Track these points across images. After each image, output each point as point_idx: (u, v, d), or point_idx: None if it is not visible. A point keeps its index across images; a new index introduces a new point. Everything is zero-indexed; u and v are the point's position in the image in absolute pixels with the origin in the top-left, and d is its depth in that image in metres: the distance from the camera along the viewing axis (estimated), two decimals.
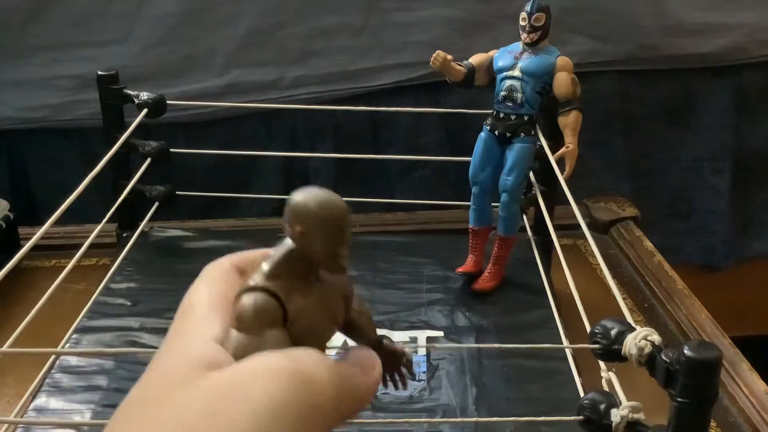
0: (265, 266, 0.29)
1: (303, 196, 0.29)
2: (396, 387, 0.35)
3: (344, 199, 0.30)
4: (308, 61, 1.14)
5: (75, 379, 0.62)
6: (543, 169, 0.75)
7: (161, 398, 0.25)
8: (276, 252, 0.30)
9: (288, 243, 0.30)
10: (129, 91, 0.78)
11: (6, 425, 0.59)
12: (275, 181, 1.16)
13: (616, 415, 0.42)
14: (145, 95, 0.77)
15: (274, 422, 0.24)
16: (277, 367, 0.26)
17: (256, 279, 0.29)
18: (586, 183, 1.11)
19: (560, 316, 0.68)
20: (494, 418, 0.56)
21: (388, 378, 0.35)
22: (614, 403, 0.43)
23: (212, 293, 0.31)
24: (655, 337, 0.40)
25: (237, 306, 0.28)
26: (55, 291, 0.59)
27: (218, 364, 0.26)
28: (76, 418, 0.58)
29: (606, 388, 0.48)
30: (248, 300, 0.28)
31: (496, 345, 0.49)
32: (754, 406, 0.65)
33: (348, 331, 0.33)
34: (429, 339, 0.69)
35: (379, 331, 0.73)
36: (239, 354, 0.27)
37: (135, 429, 0.25)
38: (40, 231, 0.52)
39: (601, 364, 0.49)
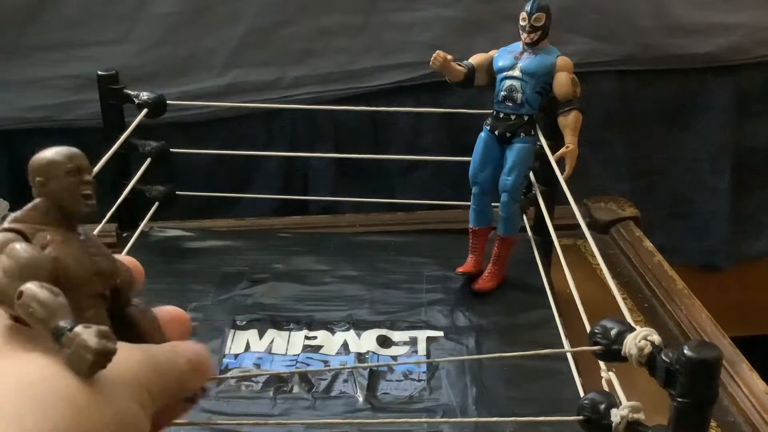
0: (12, 214, 0.31)
1: (40, 153, 0.31)
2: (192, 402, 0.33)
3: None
4: (308, 61, 1.14)
5: None
6: (543, 169, 0.75)
7: None
8: (22, 209, 0.31)
9: (35, 199, 0.31)
10: (129, 91, 0.78)
11: None
12: (275, 181, 1.16)
13: (616, 415, 0.42)
14: (145, 95, 0.77)
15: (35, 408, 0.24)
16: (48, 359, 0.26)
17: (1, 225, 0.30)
18: (586, 183, 1.11)
19: (560, 316, 0.68)
20: (494, 418, 0.56)
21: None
22: (614, 403, 0.43)
23: None
24: (655, 337, 0.40)
25: None
26: None
27: None
28: None
29: (606, 388, 0.48)
30: None
31: (497, 354, 0.49)
32: (754, 406, 0.65)
33: (123, 325, 0.32)
34: (429, 339, 0.69)
35: (380, 332, 0.72)
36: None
37: None
38: None
39: (601, 364, 0.49)
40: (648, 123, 1.23)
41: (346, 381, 0.62)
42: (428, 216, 0.96)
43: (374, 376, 0.63)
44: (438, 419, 0.59)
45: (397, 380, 0.63)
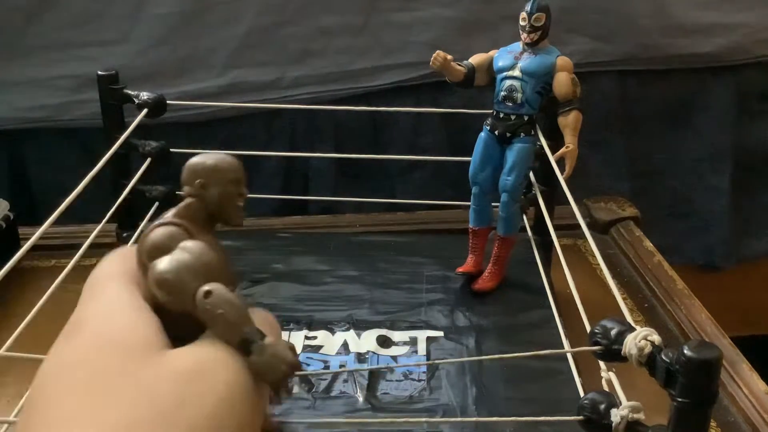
0: (169, 214, 0.31)
1: (199, 157, 0.32)
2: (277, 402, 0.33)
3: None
4: (308, 61, 1.14)
5: None
6: (543, 169, 0.75)
7: (123, 372, 0.26)
8: (178, 206, 0.31)
9: (187, 199, 0.32)
10: (129, 91, 0.78)
11: (6, 425, 0.58)
12: (275, 181, 1.16)
13: (616, 415, 0.42)
14: (145, 95, 0.77)
15: (234, 407, 0.26)
16: (231, 356, 0.27)
17: (162, 219, 0.31)
18: (586, 183, 1.11)
19: (560, 316, 0.68)
20: (494, 418, 0.56)
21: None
22: (614, 403, 0.43)
23: (119, 268, 0.31)
24: (655, 337, 0.40)
25: (149, 238, 0.30)
26: (55, 291, 0.59)
27: (159, 342, 0.27)
28: None
29: (606, 388, 0.48)
30: (160, 230, 0.30)
31: (497, 356, 0.49)
32: (754, 406, 0.65)
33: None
34: (429, 339, 0.69)
35: (380, 332, 0.72)
36: (166, 269, 0.28)
37: (103, 401, 0.25)
38: (39, 231, 0.52)
39: (601, 364, 0.49)
40: (648, 123, 1.23)
41: (346, 381, 0.63)
42: (428, 216, 0.96)
43: (374, 376, 0.63)
44: (438, 419, 0.59)
45: (397, 380, 0.63)
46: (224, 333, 0.27)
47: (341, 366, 0.65)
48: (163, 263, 0.28)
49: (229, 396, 0.26)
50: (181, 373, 0.26)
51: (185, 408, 0.25)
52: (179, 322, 0.28)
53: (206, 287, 0.27)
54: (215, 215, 0.31)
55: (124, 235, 0.82)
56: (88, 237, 0.66)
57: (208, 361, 0.27)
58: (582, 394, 0.57)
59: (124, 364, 0.26)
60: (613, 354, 0.42)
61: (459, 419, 0.58)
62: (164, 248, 0.29)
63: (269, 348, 0.27)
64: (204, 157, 0.31)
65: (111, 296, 0.29)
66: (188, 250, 0.28)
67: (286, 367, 0.27)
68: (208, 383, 0.26)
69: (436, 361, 0.65)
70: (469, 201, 0.74)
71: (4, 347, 0.52)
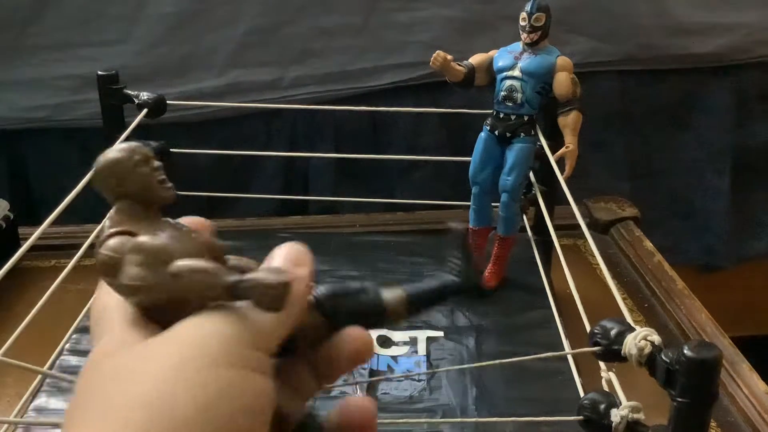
0: (105, 224, 0.30)
1: (99, 161, 0.31)
2: None
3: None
4: (308, 61, 1.14)
5: (75, 379, 0.62)
6: (543, 169, 0.75)
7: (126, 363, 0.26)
8: (108, 215, 0.31)
9: (115, 204, 0.31)
10: (129, 91, 0.78)
11: (6, 425, 0.59)
12: (275, 181, 1.16)
13: (616, 415, 0.42)
14: (144, 95, 0.77)
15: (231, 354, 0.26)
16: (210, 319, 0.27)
17: (102, 234, 0.30)
18: (586, 183, 1.11)
19: (560, 316, 0.68)
20: (494, 419, 0.56)
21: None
22: (614, 403, 0.43)
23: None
24: (655, 337, 0.40)
25: (98, 259, 0.29)
26: (55, 291, 0.59)
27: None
28: None
29: (606, 388, 0.48)
30: (104, 247, 0.29)
31: (497, 361, 0.49)
32: (754, 406, 0.65)
33: None
34: (429, 339, 0.69)
35: (380, 332, 0.72)
36: (132, 285, 0.28)
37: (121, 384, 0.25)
38: (38, 230, 0.53)
39: (601, 364, 0.49)
40: (648, 123, 1.23)
41: (346, 381, 0.62)
42: (428, 216, 0.96)
43: (374, 376, 0.63)
44: (438, 419, 0.59)
45: (397, 380, 0.63)
46: (209, 298, 0.27)
47: None
48: (124, 276, 0.28)
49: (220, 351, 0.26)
50: (170, 343, 0.26)
51: (186, 373, 0.25)
52: (180, 310, 0.28)
53: (171, 270, 0.27)
54: (147, 202, 0.31)
55: None
56: (88, 237, 0.66)
57: (188, 327, 0.27)
58: (582, 394, 0.57)
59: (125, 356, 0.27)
60: (612, 354, 0.42)
61: (459, 419, 0.58)
62: (116, 261, 0.28)
63: (252, 282, 0.27)
64: (103, 158, 0.31)
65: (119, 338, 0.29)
66: (134, 249, 0.28)
67: (280, 289, 0.27)
68: (198, 346, 0.26)
69: (437, 370, 0.64)
70: (469, 201, 0.74)
71: (4, 347, 0.52)
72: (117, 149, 0.31)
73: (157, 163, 0.31)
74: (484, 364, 0.62)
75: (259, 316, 0.27)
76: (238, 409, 0.25)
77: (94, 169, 0.30)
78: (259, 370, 0.26)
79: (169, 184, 0.31)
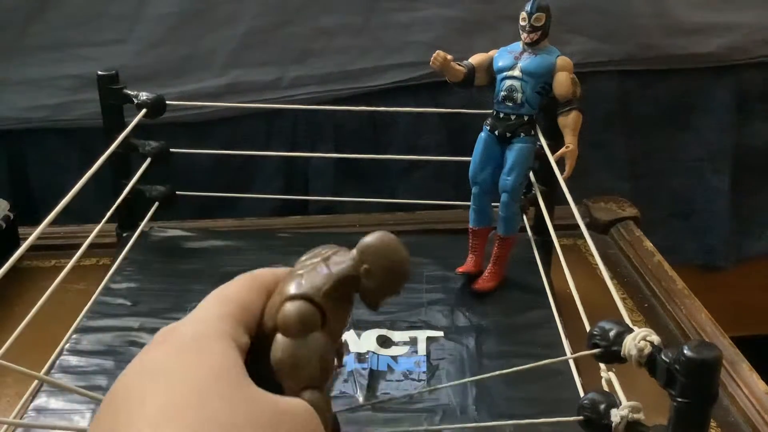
0: (317, 279, 0.32)
1: (387, 241, 0.33)
2: None
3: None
4: (308, 61, 1.14)
5: (75, 379, 0.62)
6: (543, 169, 0.75)
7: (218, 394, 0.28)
8: (333, 270, 0.33)
9: (346, 268, 0.33)
10: (129, 91, 0.78)
11: (6, 426, 0.58)
12: (275, 181, 1.16)
13: (616, 415, 0.42)
14: (144, 95, 0.77)
15: None
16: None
17: (299, 287, 0.32)
18: (586, 183, 1.11)
19: (560, 316, 0.68)
20: (493, 422, 0.56)
21: None
22: (614, 403, 0.43)
23: (241, 297, 0.34)
24: (655, 338, 0.40)
25: (284, 311, 0.32)
26: (55, 291, 0.59)
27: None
28: (76, 419, 0.58)
29: (606, 388, 0.48)
30: (297, 308, 0.32)
31: (497, 372, 0.49)
32: (754, 406, 0.65)
33: None
34: (429, 339, 0.69)
35: (380, 332, 0.72)
36: (283, 356, 0.31)
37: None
38: (38, 230, 0.52)
39: (601, 364, 0.49)
40: (648, 123, 1.23)
41: (346, 381, 0.62)
42: (428, 216, 0.96)
43: (374, 376, 0.63)
44: (438, 419, 0.58)
45: (397, 380, 0.63)
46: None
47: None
48: (286, 349, 0.31)
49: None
50: (273, 409, 0.29)
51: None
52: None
53: (306, 396, 0.31)
54: (358, 293, 0.34)
55: (124, 235, 0.82)
56: (88, 237, 0.66)
57: (296, 408, 0.30)
58: (582, 394, 0.57)
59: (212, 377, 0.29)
60: (612, 356, 0.42)
61: (459, 426, 0.58)
62: (293, 330, 0.31)
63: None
64: (390, 243, 0.33)
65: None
66: (310, 346, 0.31)
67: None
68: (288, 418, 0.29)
69: (437, 386, 0.64)
70: (469, 201, 0.74)
71: (4, 347, 0.52)
72: (403, 255, 0.33)
73: (400, 289, 0.34)
74: (486, 376, 0.61)
75: None
76: None
77: (373, 243, 0.33)
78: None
79: (381, 308, 0.34)
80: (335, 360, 0.34)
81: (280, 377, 0.31)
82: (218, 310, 0.32)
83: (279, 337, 0.31)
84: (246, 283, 0.34)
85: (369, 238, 0.33)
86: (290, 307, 0.32)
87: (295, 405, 0.30)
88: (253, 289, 0.34)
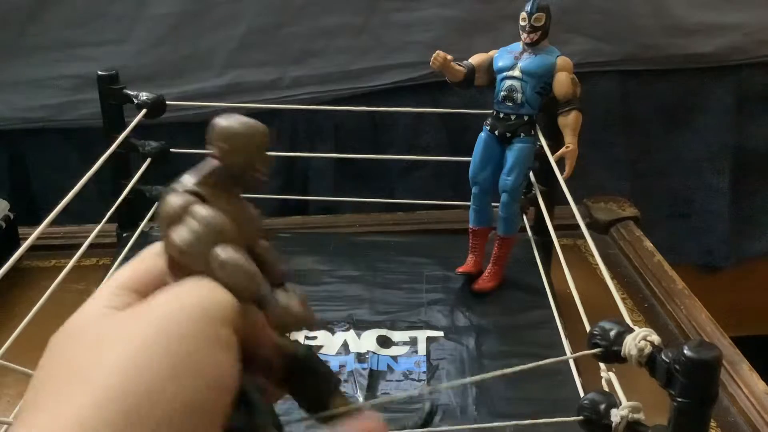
0: (188, 176, 0.32)
1: (228, 119, 0.32)
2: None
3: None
4: (308, 61, 1.14)
5: None
6: (543, 169, 0.75)
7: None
8: (200, 168, 0.32)
9: (211, 161, 0.32)
10: (129, 92, 0.78)
11: (6, 426, 0.58)
12: (275, 181, 1.16)
13: (616, 415, 0.42)
14: (144, 95, 0.77)
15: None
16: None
17: (179, 184, 0.31)
18: (586, 183, 1.11)
19: (560, 316, 0.68)
20: (494, 423, 0.56)
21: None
22: (614, 403, 0.43)
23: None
24: (655, 338, 0.40)
25: (164, 205, 0.30)
26: (55, 291, 0.59)
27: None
28: None
29: (606, 388, 0.48)
30: (175, 197, 0.31)
31: (498, 372, 0.49)
32: (754, 406, 0.65)
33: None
34: (429, 339, 0.69)
35: (380, 332, 0.72)
36: (176, 239, 0.29)
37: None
38: (38, 230, 0.53)
39: (601, 364, 0.49)
40: (648, 123, 1.23)
41: (346, 381, 0.62)
42: (428, 216, 0.96)
43: (374, 376, 0.63)
44: (438, 419, 0.58)
45: (397, 380, 0.63)
46: (237, 294, 0.29)
47: (341, 366, 0.65)
48: (177, 235, 0.30)
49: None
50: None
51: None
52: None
53: (219, 257, 0.29)
54: (238, 180, 0.32)
55: (124, 235, 0.82)
56: (88, 237, 0.66)
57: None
58: (582, 394, 0.57)
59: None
60: (613, 355, 0.42)
61: (459, 427, 0.58)
62: (175, 217, 0.30)
63: (283, 306, 0.30)
64: (231, 121, 0.32)
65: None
66: (199, 217, 0.30)
67: (293, 320, 0.30)
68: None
69: (440, 386, 0.64)
70: (469, 201, 0.74)
71: (4, 347, 0.52)
72: (250, 125, 0.32)
73: (267, 156, 0.33)
74: (486, 375, 0.61)
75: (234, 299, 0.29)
76: (204, 382, 0.26)
77: (221, 123, 0.32)
78: (226, 348, 0.27)
79: (266, 178, 0.32)
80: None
81: (190, 266, 0.30)
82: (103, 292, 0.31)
83: (171, 231, 0.30)
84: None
85: (219, 122, 0.32)
86: (166, 200, 0.31)
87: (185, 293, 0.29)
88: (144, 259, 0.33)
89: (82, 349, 0.27)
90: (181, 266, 0.30)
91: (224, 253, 0.29)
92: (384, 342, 0.68)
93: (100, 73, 0.79)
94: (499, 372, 0.45)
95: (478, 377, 0.57)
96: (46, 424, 0.25)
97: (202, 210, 0.30)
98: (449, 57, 0.69)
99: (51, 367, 0.27)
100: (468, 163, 0.73)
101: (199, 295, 0.28)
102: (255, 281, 0.29)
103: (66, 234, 0.89)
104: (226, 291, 0.29)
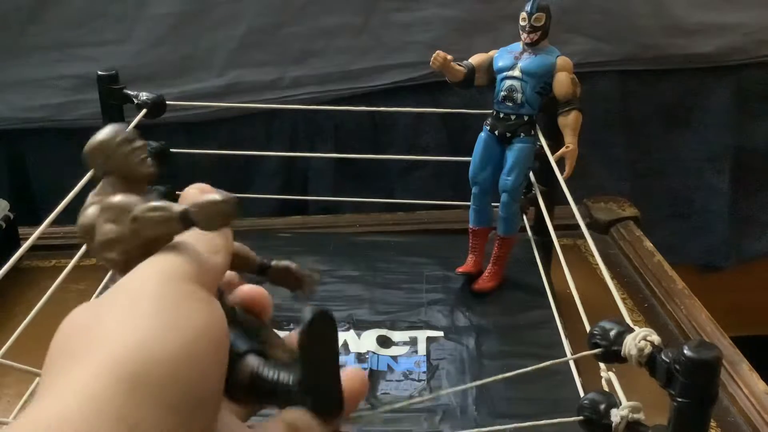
0: (89, 196, 0.34)
1: (89, 142, 0.35)
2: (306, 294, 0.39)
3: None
4: (308, 61, 1.14)
5: None
6: (543, 169, 0.75)
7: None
8: (95, 192, 0.34)
9: (102, 180, 0.35)
10: (129, 91, 0.78)
11: (6, 426, 0.58)
12: (275, 181, 1.16)
13: (616, 415, 0.42)
14: (144, 95, 0.77)
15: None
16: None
17: (85, 205, 0.34)
18: (586, 183, 1.11)
19: (560, 316, 0.68)
20: (494, 427, 0.56)
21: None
22: (614, 403, 0.43)
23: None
24: (655, 338, 0.40)
25: (78, 228, 0.33)
26: (56, 291, 0.59)
27: None
28: None
29: (606, 388, 0.48)
30: (84, 214, 0.33)
31: (500, 376, 0.49)
32: (754, 406, 0.65)
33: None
34: (429, 339, 0.69)
35: (380, 332, 0.72)
36: (102, 240, 0.32)
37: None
38: (38, 230, 0.52)
39: (601, 364, 0.49)
40: (648, 123, 1.23)
41: None
42: (428, 216, 0.96)
43: (374, 376, 0.63)
44: (438, 419, 0.59)
45: (397, 380, 0.63)
46: (167, 233, 0.31)
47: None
48: (98, 232, 0.32)
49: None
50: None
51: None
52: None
53: (129, 217, 0.31)
54: (129, 178, 0.34)
55: None
56: None
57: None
58: (582, 394, 0.57)
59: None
60: (612, 355, 0.42)
61: None
62: (92, 225, 0.32)
63: (198, 207, 0.31)
64: (91, 139, 0.35)
65: None
66: (105, 207, 0.32)
67: (221, 205, 0.31)
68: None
69: (442, 392, 0.64)
70: (469, 201, 0.74)
71: (4, 348, 0.52)
72: (103, 130, 0.35)
73: (139, 143, 0.35)
74: (486, 380, 0.61)
75: (202, 255, 0.31)
76: (194, 333, 0.27)
77: (86, 148, 0.35)
78: (205, 301, 0.29)
79: (150, 162, 0.35)
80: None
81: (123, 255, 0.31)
82: None
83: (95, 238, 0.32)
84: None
85: (84, 151, 0.35)
86: (79, 219, 0.33)
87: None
88: None
89: (74, 332, 0.28)
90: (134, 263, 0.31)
91: (131, 213, 0.31)
92: (384, 342, 0.68)
93: (100, 73, 0.78)
94: (500, 376, 0.45)
95: (479, 382, 0.57)
96: (48, 404, 0.25)
97: (104, 201, 0.32)
98: (449, 57, 0.69)
99: (50, 356, 0.28)
100: (468, 163, 0.73)
101: (156, 263, 0.30)
102: (167, 209, 0.32)
103: (66, 234, 0.89)
104: (176, 254, 0.30)
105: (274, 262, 0.38)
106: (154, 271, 0.29)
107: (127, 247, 0.31)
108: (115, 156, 0.34)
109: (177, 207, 0.32)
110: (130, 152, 0.34)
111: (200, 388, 0.26)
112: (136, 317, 0.27)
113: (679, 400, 0.38)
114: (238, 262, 0.37)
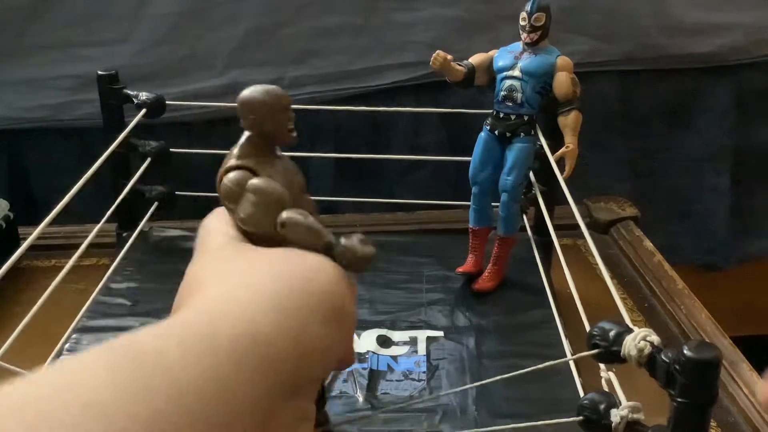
0: (234, 152, 0.37)
1: (249, 91, 0.38)
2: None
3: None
4: (308, 61, 1.14)
5: None
6: (543, 169, 0.75)
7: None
8: (239, 142, 0.38)
9: (246, 133, 0.38)
10: (129, 91, 0.78)
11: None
12: None
13: (615, 416, 0.42)
14: (144, 95, 0.77)
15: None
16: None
17: (229, 162, 0.37)
18: (586, 183, 1.11)
19: (560, 316, 0.68)
20: (494, 428, 0.56)
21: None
22: (614, 403, 0.43)
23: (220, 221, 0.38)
24: (654, 338, 0.40)
25: (222, 185, 0.36)
26: (55, 291, 0.59)
27: None
28: None
29: (606, 388, 0.48)
30: (227, 178, 0.36)
31: (499, 377, 0.49)
32: (754, 406, 0.65)
33: None
34: (429, 339, 0.69)
35: (380, 332, 0.73)
36: (247, 211, 0.35)
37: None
38: (37, 230, 0.53)
39: (601, 364, 0.49)
40: (648, 123, 1.23)
41: (345, 381, 0.62)
42: (428, 216, 0.96)
43: (374, 376, 0.63)
44: (438, 419, 0.58)
45: (397, 380, 0.63)
46: (304, 245, 0.34)
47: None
48: (241, 209, 0.35)
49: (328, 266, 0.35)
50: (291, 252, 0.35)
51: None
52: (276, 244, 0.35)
53: (280, 219, 0.34)
54: (273, 141, 0.37)
55: (124, 234, 0.82)
56: (87, 237, 0.66)
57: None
58: (582, 394, 0.57)
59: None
60: (612, 356, 0.42)
61: None
62: (235, 194, 0.35)
63: (347, 246, 0.35)
64: (254, 93, 0.38)
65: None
66: (256, 190, 0.35)
67: (358, 257, 0.35)
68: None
69: (442, 393, 0.64)
70: (469, 201, 0.74)
71: (4, 347, 0.52)
72: (267, 91, 0.38)
73: (292, 114, 0.37)
74: (486, 381, 0.61)
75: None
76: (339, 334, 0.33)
77: (246, 97, 0.37)
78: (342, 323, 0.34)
79: (295, 133, 0.37)
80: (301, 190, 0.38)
81: (261, 239, 0.35)
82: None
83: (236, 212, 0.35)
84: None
85: (242, 96, 0.38)
86: (228, 177, 0.36)
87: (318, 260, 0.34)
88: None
89: (233, 258, 0.33)
90: (250, 234, 0.35)
91: (282, 216, 0.34)
92: (384, 342, 0.68)
93: (100, 72, 0.79)
94: (500, 376, 0.45)
95: (479, 382, 0.57)
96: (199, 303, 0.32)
97: (255, 182, 0.35)
98: (449, 57, 0.69)
99: (206, 275, 0.34)
100: (468, 163, 0.73)
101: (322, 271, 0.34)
102: (317, 233, 0.35)
103: (66, 234, 0.89)
104: (337, 281, 0.34)
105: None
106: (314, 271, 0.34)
107: (265, 233, 0.34)
108: (273, 119, 0.37)
109: (326, 236, 0.35)
110: (285, 120, 0.37)
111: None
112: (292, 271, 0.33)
113: (679, 400, 0.38)
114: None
